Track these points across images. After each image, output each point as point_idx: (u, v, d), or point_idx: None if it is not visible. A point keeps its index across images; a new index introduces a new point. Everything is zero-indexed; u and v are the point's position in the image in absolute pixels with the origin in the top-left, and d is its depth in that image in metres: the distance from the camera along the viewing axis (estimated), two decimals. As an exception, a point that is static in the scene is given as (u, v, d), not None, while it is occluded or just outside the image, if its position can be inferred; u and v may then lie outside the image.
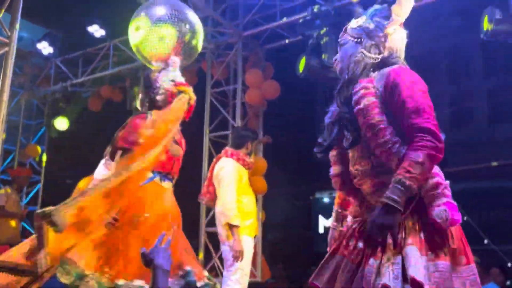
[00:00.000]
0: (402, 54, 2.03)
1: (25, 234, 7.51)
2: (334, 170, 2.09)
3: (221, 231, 3.91)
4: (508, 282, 6.04)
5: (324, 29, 4.81)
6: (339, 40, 2.10)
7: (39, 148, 8.13)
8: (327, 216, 16.53)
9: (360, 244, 1.85)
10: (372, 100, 1.84)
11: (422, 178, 1.72)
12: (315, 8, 5.04)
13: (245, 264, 3.89)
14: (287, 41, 6.02)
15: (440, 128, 1.80)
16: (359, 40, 1.98)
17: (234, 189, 3.88)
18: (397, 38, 2.01)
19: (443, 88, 19.54)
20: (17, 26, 3.28)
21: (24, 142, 8.18)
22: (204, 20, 5.95)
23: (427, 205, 1.77)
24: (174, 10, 4.18)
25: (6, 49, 3.23)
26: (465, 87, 19.18)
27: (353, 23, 2.04)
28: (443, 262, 1.73)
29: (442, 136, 1.77)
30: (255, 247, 4.32)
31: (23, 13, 3.36)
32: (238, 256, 3.69)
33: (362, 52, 1.95)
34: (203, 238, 5.61)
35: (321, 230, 12.59)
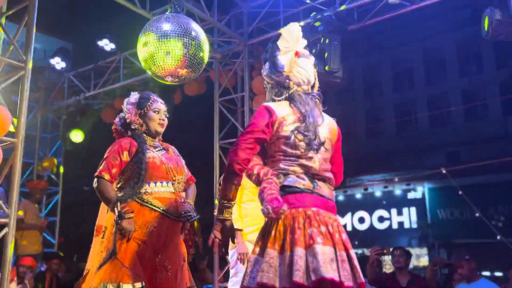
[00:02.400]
0: (310, 78, 2.28)
1: (46, 244, 7.76)
2: None
3: None
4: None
5: (322, 38, 4.90)
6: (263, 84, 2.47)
7: (55, 160, 8.35)
8: (343, 213, 16.62)
9: None
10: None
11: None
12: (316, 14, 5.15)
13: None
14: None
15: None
16: (270, 85, 2.33)
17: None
18: (298, 71, 2.25)
19: (454, 82, 19.46)
20: (31, 50, 3.44)
21: (41, 155, 8.42)
22: (209, 31, 6.12)
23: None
24: (179, 25, 4.35)
25: (22, 72, 3.40)
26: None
27: (263, 71, 2.35)
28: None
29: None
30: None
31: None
32: (242, 258, 3.75)
33: (272, 98, 2.30)
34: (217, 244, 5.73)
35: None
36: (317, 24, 5.15)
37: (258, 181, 2.08)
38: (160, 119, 2.92)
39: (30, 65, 3.40)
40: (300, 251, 1.90)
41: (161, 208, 2.73)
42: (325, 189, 2.14)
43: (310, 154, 2.12)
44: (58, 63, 7.66)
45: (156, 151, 2.88)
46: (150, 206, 2.71)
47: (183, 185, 2.91)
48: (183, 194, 2.95)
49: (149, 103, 2.92)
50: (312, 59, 2.33)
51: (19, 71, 3.39)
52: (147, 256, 2.64)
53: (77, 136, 7.89)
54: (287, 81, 2.23)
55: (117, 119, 3.02)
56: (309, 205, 2.04)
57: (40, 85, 8.19)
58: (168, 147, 3.01)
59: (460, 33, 18.70)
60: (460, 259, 4.51)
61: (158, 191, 2.77)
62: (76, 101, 7.75)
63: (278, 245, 1.96)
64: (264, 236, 2.05)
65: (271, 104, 2.21)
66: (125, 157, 2.75)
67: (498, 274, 10.33)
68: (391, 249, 4.79)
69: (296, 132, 2.12)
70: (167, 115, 3.01)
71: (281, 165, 2.12)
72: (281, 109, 2.18)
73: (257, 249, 2.02)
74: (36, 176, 8.10)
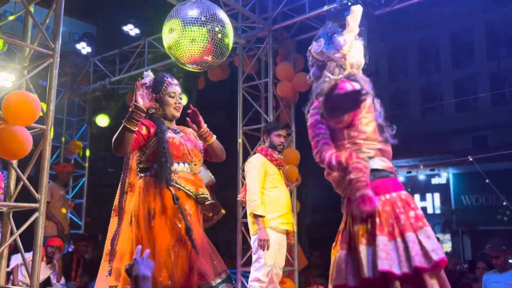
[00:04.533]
0: (361, 63, 2.30)
1: (72, 225, 7.96)
2: None
3: (248, 221, 4.09)
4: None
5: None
6: (308, 60, 2.39)
7: (80, 144, 8.51)
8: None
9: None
10: (315, 119, 2.16)
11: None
12: None
13: (268, 257, 3.93)
14: (317, 32, 6.05)
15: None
16: (322, 64, 2.27)
17: (258, 181, 4.00)
18: (355, 53, 2.25)
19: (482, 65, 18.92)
20: (59, 38, 3.48)
21: (68, 138, 8.58)
22: (234, 16, 6.08)
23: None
24: (205, 11, 4.32)
25: (51, 60, 3.44)
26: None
27: (315, 47, 2.31)
28: None
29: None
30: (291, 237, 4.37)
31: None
32: (263, 244, 3.76)
33: (327, 75, 2.23)
34: (240, 229, 5.79)
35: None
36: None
37: (342, 169, 2.04)
38: (176, 103, 2.90)
39: (58, 52, 3.44)
40: (412, 236, 1.92)
41: (186, 188, 2.73)
42: None
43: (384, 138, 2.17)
44: (83, 47, 7.74)
45: (175, 133, 2.87)
46: (177, 186, 2.71)
47: (199, 167, 2.89)
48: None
49: (164, 87, 2.89)
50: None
51: (47, 59, 3.43)
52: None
53: (103, 120, 8.01)
54: (343, 60, 2.22)
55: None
56: (400, 188, 2.08)
57: (66, 69, 8.30)
58: (185, 129, 2.99)
59: (490, 15, 18.12)
60: (497, 249, 4.48)
61: (182, 171, 2.76)
62: (101, 85, 7.83)
63: (387, 232, 1.94)
64: (362, 225, 2.00)
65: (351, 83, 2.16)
66: (144, 131, 2.74)
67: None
68: None
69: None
70: (182, 97, 2.96)
71: (364, 149, 2.10)
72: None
73: (363, 239, 1.98)
74: (63, 159, 8.27)
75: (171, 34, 4.41)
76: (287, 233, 4.19)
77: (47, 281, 5.75)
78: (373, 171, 2.04)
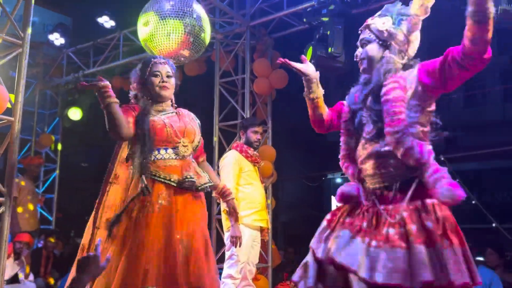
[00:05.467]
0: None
1: (43, 221, 7.78)
2: (342, 153, 2.23)
3: (222, 218, 4.07)
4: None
5: (328, 19, 4.82)
6: (361, 36, 2.17)
7: (53, 137, 8.31)
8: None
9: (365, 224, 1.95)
10: (400, 94, 1.95)
11: None
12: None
13: (241, 253, 3.92)
14: (294, 29, 6.06)
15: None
16: (385, 43, 2.07)
17: (232, 177, 3.97)
18: (416, 42, 2.11)
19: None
20: (30, 27, 3.37)
21: (39, 131, 8.37)
22: (211, 11, 6.02)
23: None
24: (181, 4, 4.26)
25: (20, 50, 3.33)
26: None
27: (379, 24, 2.08)
28: None
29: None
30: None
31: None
32: (235, 241, 3.71)
33: (392, 57, 2.04)
34: (214, 225, 5.75)
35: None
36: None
37: (421, 162, 1.90)
38: (159, 82, 2.70)
39: (28, 42, 3.33)
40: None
41: (162, 176, 2.56)
42: None
43: None
44: (57, 39, 7.56)
45: (160, 115, 2.68)
46: (152, 177, 2.54)
47: (190, 149, 2.69)
48: (193, 161, 2.74)
49: (149, 68, 2.71)
50: None
51: (16, 48, 3.32)
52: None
53: (75, 113, 7.82)
54: (406, 46, 2.08)
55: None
56: None
57: (39, 60, 8.08)
58: (179, 110, 2.81)
59: (463, 18, 18.46)
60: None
61: (162, 158, 2.60)
62: (74, 78, 7.66)
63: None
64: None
65: None
66: (134, 115, 2.62)
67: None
68: None
69: None
70: (171, 75, 2.75)
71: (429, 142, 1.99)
72: None
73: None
74: (34, 152, 8.07)
75: (146, 27, 4.33)
76: (261, 229, 4.18)
77: (15, 277, 5.60)
78: None
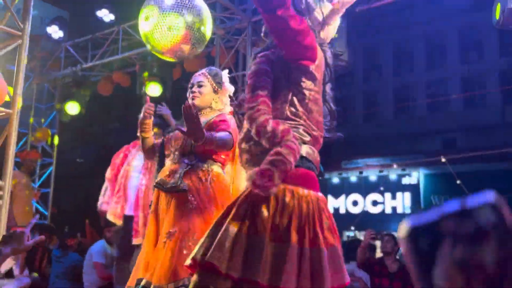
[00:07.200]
0: (328, 41, 2.01)
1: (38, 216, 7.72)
2: None
3: None
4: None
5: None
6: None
7: (49, 131, 8.24)
8: (336, 196, 16.68)
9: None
10: (262, 67, 1.83)
11: None
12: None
13: None
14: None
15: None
16: (299, 13, 1.94)
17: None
18: (331, 28, 2.00)
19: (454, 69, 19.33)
20: (30, 19, 3.32)
21: (36, 125, 8.30)
22: (212, 6, 5.96)
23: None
24: (182, -2, 4.21)
25: (20, 41, 3.28)
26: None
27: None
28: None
29: None
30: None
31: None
32: None
33: None
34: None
35: (330, 210, 12.75)
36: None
37: (270, 140, 1.68)
38: (189, 92, 2.87)
39: (28, 34, 3.28)
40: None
41: (156, 182, 2.67)
42: None
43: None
44: (55, 32, 7.49)
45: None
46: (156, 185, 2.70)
47: (178, 154, 2.68)
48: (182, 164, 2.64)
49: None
50: None
51: (16, 40, 3.27)
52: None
53: (72, 108, 7.76)
54: (319, 26, 1.95)
55: None
56: (319, 190, 1.78)
57: (36, 53, 8.00)
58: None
59: (463, 19, 18.49)
60: None
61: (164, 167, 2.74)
62: (72, 72, 7.60)
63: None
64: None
65: None
66: None
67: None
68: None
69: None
70: (202, 84, 2.87)
71: (301, 130, 1.77)
72: None
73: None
74: (30, 146, 8.00)
75: (147, 21, 4.28)
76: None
77: (10, 272, 5.55)
78: (301, 158, 1.71)
